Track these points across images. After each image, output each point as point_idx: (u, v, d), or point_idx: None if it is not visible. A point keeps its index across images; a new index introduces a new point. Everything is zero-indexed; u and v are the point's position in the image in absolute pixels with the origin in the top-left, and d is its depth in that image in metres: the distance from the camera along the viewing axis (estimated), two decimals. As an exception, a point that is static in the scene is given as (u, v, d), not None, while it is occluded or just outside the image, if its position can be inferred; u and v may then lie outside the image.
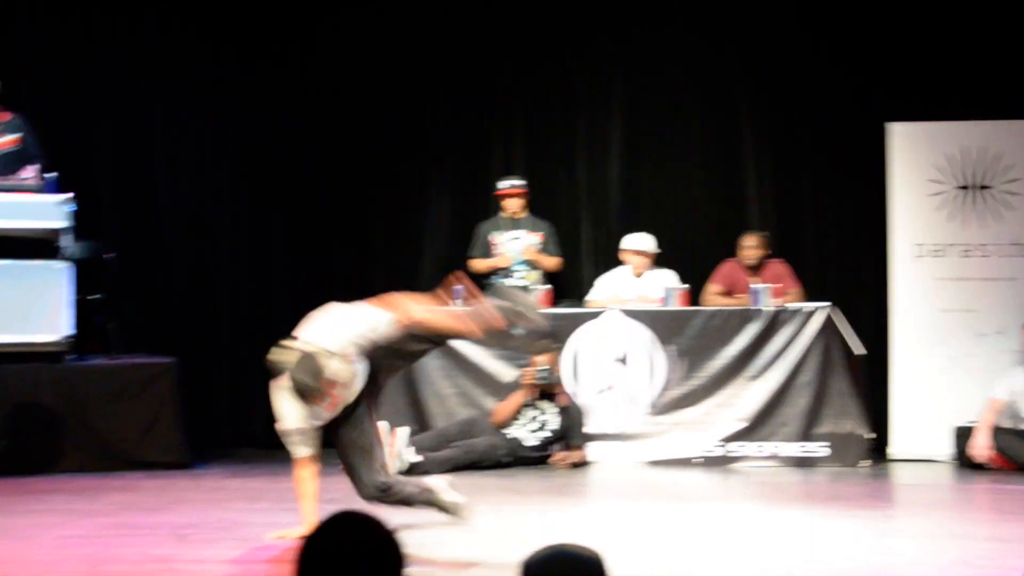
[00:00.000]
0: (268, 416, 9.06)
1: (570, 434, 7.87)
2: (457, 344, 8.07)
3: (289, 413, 4.98)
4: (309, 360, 4.78)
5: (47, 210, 7.50)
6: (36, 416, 7.40)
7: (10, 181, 7.57)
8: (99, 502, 6.32)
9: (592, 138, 9.29)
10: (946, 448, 8.06)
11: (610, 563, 2.25)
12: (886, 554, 5.27)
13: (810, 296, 8.46)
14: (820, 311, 7.97)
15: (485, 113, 9.37)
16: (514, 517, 6.01)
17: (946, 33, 8.75)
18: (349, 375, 4.92)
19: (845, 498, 6.77)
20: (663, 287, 8.28)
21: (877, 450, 8.15)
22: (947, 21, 8.77)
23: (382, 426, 7.29)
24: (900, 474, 7.81)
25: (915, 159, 8.40)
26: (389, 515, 1.94)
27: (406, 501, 5.06)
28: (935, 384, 8.24)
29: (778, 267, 8.48)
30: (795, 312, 8.01)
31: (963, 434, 7.94)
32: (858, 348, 7.93)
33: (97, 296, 8.34)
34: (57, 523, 5.71)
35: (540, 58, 9.31)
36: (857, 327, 8.32)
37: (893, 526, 6.14)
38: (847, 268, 9.02)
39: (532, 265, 8.60)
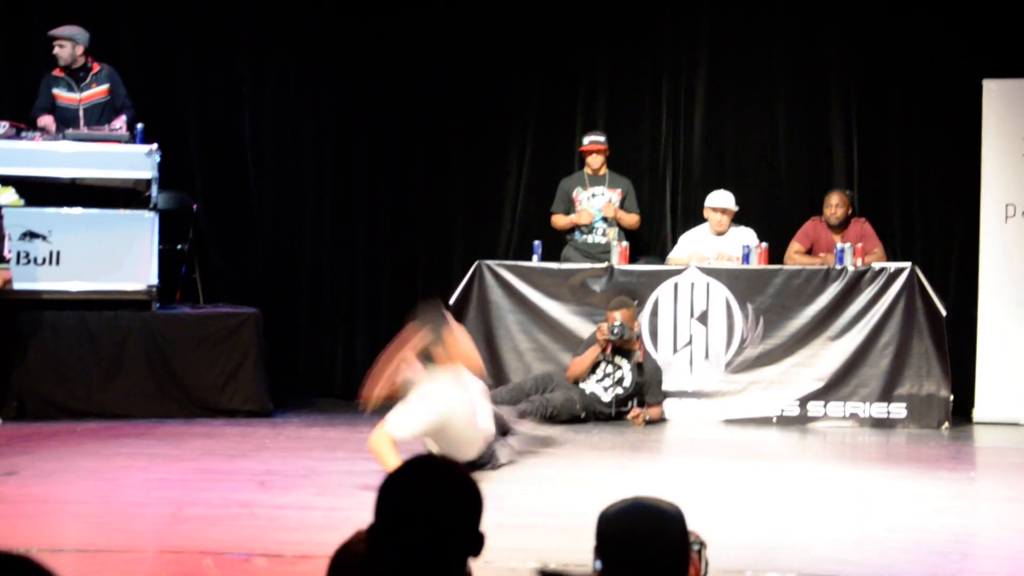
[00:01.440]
0: (347, 368, 9.24)
1: (646, 390, 7.86)
2: (535, 300, 8.10)
3: None
4: None
5: (135, 160, 7.62)
6: (123, 363, 7.56)
7: (100, 131, 7.70)
8: (183, 447, 6.45)
9: (675, 94, 9.21)
10: (1031, 412, 7.94)
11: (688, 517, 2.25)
12: (966, 517, 5.21)
13: (895, 256, 8.34)
14: (903, 271, 7.86)
15: (569, 69, 9.32)
16: (590, 471, 6.03)
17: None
18: None
19: (925, 460, 6.69)
20: (742, 245, 8.21)
21: (962, 412, 8.05)
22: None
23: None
24: (982, 437, 7.70)
25: (1010, 117, 8.20)
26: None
27: None
28: (1021, 347, 8.09)
29: (862, 226, 8.36)
30: (878, 272, 7.90)
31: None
32: (941, 309, 7.81)
33: (182, 246, 8.48)
34: (143, 467, 5.84)
35: (625, 14, 9.23)
36: (943, 288, 8.20)
37: (974, 489, 6.06)
38: (934, 228, 8.87)
39: (612, 222, 8.57)
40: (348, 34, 9.26)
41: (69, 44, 7.95)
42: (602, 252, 8.44)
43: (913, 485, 5.80)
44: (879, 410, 7.81)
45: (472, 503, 1.86)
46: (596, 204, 8.60)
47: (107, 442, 6.63)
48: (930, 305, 7.80)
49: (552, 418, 7.61)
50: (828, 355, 7.88)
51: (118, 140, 7.65)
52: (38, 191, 7.70)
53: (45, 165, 7.57)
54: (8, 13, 8.86)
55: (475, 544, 1.86)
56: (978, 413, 8.12)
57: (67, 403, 7.43)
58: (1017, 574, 4.16)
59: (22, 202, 7.58)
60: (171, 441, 6.65)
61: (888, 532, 4.70)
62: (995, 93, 8.21)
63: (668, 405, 7.97)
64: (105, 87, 8.04)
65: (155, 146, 7.62)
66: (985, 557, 4.58)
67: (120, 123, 7.77)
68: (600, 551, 2.18)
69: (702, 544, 2.29)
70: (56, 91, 8.00)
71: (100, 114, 7.96)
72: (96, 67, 8.04)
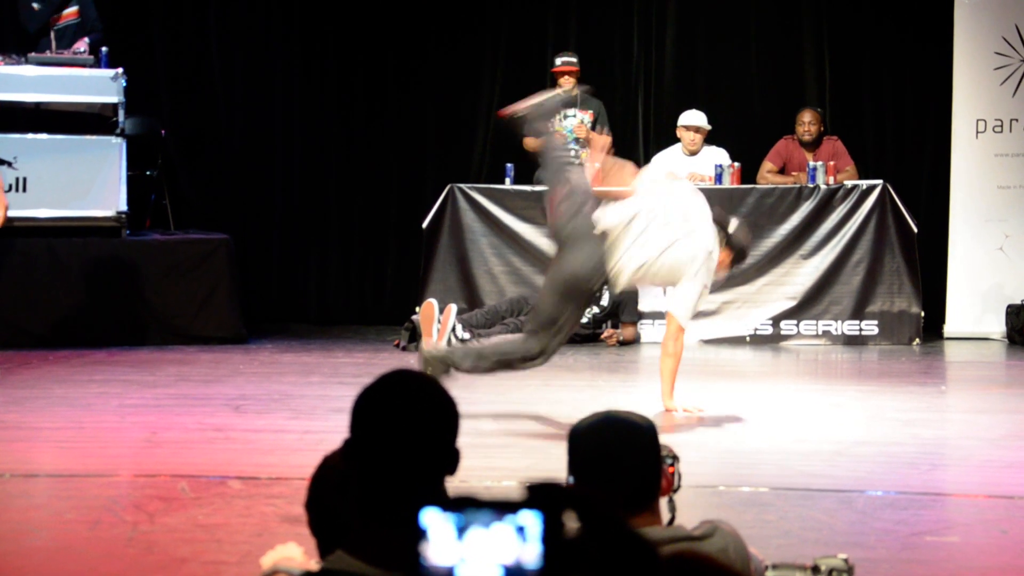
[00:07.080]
0: (320, 293, 9.22)
1: (621, 311, 7.88)
2: (508, 223, 8.06)
3: None
4: None
5: (101, 84, 7.49)
6: (94, 290, 7.51)
7: (65, 54, 7.55)
8: (157, 374, 6.43)
9: (647, 14, 9.12)
10: (1000, 325, 8.01)
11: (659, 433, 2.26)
12: (935, 429, 5.28)
13: (867, 173, 8.34)
14: (875, 188, 7.87)
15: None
16: (563, 393, 6.05)
17: None
18: None
19: (896, 375, 6.76)
20: (715, 164, 8.19)
21: (933, 328, 8.11)
22: None
23: (431, 304, 7.38)
24: (952, 352, 7.78)
25: (981, 32, 8.17)
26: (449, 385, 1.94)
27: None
28: (992, 262, 8.15)
29: (834, 144, 8.35)
30: (850, 190, 7.91)
31: (1015, 312, 7.88)
32: (912, 226, 7.83)
33: (151, 172, 8.39)
34: (117, 393, 5.83)
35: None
36: (914, 204, 8.22)
37: (944, 402, 6.13)
38: (906, 144, 8.87)
39: (583, 143, 8.52)
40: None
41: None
42: (575, 173, 8.39)
43: (884, 400, 5.86)
44: (851, 327, 7.86)
45: (449, 419, 1.84)
46: (568, 125, 8.55)
47: (80, 369, 6.61)
48: (902, 222, 7.82)
49: (526, 340, 7.62)
50: (801, 273, 7.91)
51: (82, 64, 7.51)
52: (2, 116, 7.58)
53: (9, 90, 7.44)
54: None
55: (451, 461, 1.86)
56: (948, 328, 8.18)
57: (38, 331, 7.38)
58: (984, 482, 4.23)
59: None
60: (145, 368, 6.63)
61: (860, 446, 4.75)
62: (967, 7, 8.17)
63: (642, 327, 7.99)
64: (75, 8, 7.86)
65: (120, 70, 7.49)
66: (954, 467, 4.65)
67: (83, 46, 7.62)
68: (572, 465, 2.18)
69: (675, 458, 2.30)
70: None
71: (72, 37, 7.80)
72: (66, -13, 7.87)
